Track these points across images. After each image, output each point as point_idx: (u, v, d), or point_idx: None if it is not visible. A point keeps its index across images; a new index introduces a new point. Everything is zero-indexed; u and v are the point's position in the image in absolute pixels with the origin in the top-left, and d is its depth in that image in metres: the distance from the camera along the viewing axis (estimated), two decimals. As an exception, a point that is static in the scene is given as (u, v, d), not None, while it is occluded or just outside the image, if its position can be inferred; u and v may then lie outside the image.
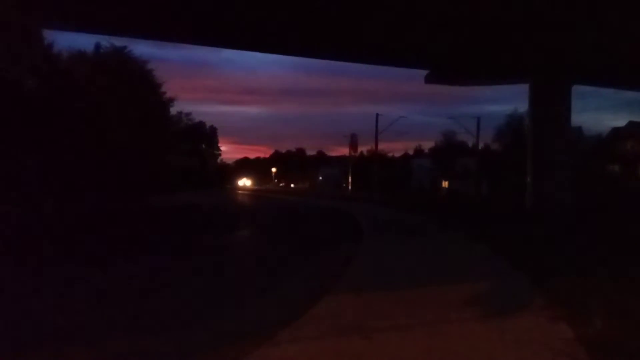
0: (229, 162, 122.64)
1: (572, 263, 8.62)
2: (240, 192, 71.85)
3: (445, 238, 13.83)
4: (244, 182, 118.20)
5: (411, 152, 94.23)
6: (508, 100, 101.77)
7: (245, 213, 25.69)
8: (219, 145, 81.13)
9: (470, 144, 60.26)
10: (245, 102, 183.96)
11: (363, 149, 78.47)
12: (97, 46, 25.86)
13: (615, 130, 50.83)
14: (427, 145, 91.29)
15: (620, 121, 65.46)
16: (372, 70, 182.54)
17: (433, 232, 15.37)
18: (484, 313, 5.51)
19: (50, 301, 6.15)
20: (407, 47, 19.87)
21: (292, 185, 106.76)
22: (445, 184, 57.75)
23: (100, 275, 7.82)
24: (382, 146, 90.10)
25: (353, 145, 59.18)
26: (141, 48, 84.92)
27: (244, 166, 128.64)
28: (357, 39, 18.89)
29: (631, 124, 49.01)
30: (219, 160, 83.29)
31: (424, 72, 23.72)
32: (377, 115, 49.69)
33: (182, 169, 32.06)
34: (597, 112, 78.08)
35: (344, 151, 72.95)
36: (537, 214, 19.40)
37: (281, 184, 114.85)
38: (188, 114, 42.79)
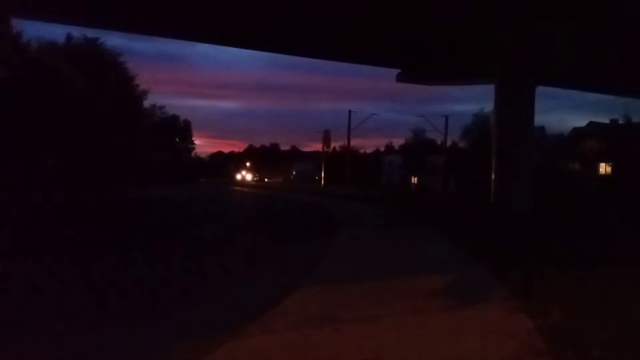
0: (203, 156, 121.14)
1: (528, 255, 9.21)
2: (217, 185, 71.42)
3: (413, 231, 14.44)
4: (243, 175, 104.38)
5: (382, 149, 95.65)
6: (476, 100, 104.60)
7: (219, 206, 25.88)
8: (193, 139, 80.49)
9: (439, 141, 61.90)
10: (220, 97, 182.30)
11: (336, 144, 79.30)
12: (69, 37, 25.50)
13: (576, 130, 52.89)
14: (398, 142, 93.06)
15: (581, 121, 68.08)
16: (345, 68, 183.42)
17: (401, 225, 16.02)
18: (450, 303, 5.85)
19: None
20: (379, 47, 20.47)
21: (265, 180, 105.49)
22: (414, 179, 59.01)
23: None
24: (354, 142, 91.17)
25: (326, 141, 59.73)
26: (114, 40, 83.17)
27: (218, 160, 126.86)
28: (330, 38, 19.37)
29: (591, 124, 51.16)
30: (192, 154, 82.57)
31: (395, 71, 24.39)
32: (350, 112, 50.62)
33: (156, 162, 31.86)
34: (559, 113, 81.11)
35: (318, 147, 73.42)
36: (500, 209, 20.28)
37: (255, 178, 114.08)
38: (162, 107, 42.45)
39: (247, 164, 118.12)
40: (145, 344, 4.63)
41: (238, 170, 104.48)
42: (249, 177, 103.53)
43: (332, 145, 70.10)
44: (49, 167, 19.05)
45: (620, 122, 48.93)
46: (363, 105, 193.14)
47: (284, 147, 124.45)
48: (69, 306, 5.77)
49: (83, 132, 21.20)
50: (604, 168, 47.09)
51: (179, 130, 51.56)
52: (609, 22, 16.91)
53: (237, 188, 61.29)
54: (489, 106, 43.82)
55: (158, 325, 5.16)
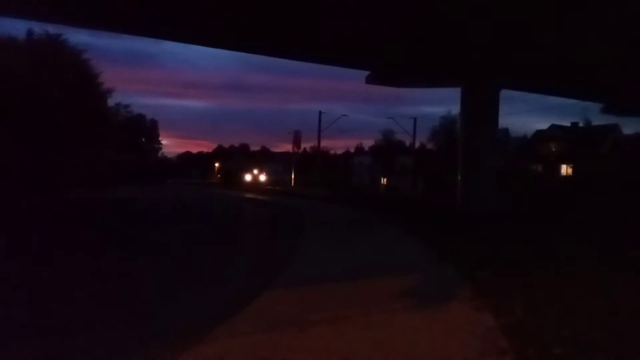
0: (171, 155, 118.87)
1: (492, 254, 9.42)
2: (183, 185, 70.05)
3: (381, 231, 14.59)
4: (256, 174, 73.02)
5: (352, 150, 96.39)
6: (445, 102, 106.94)
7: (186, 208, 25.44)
8: (160, 139, 78.96)
9: (407, 143, 62.91)
10: (188, 96, 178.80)
11: (306, 145, 79.27)
12: (29, 33, 24.67)
13: (539, 133, 54.61)
14: (368, 143, 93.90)
15: (544, 124, 70.42)
16: (315, 69, 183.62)
17: (369, 225, 16.18)
18: (416, 303, 5.96)
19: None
20: (349, 49, 20.56)
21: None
22: (384, 180, 59.56)
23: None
24: (324, 143, 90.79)
25: (296, 141, 59.83)
26: (78, 36, 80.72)
27: (186, 160, 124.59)
28: (300, 39, 19.34)
29: (553, 126, 52.91)
30: (159, 154, 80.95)
31: (365, 73, 24.56)
32: (320, 113, 50.64)
33: (120, 162, 31.07)
34: (523, 115, 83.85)
35: (288, 147, 72.95)
36: (465, 210, 20.70)
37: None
38: (127, 106, 41.41)
39: (216, 164, 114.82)
40: (107, 351, 4.48)
41: (247, 170, 74.75)
42: (263, 177, 73.78)
43: (303, 146, 70.25)
44: None
45: (581, 124, 50.80)
46: (333, 106, 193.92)
47: (254, 148, 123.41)
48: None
49: (38, 131, 20.45)
50: (565, 169, 48.74)
51: (145, 129, 50.43)
52: (567, 31, 17.52)
53: (201, 189, 60.28)
54: (456, 109, 44.74)
55: (121, 331, 5.01)
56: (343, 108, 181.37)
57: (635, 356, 4.39)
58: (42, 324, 5.06)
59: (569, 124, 52.61)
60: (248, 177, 72.55)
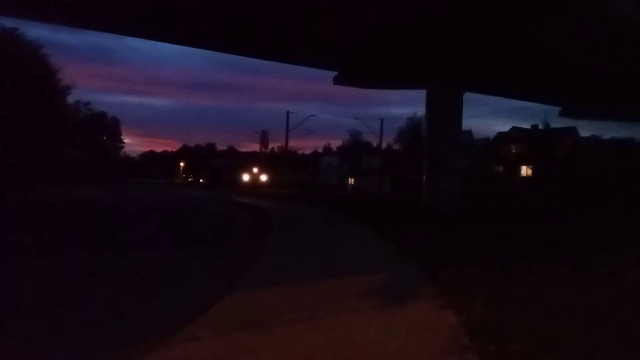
0: (133, 155, 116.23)
1: (455, 253, 9.59)
2: (146, 186, 68.59)
3: (348, 231, 14.71)
4: (256, 173, 63.59)
5: (320, 150, 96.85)
6: (412, 104, 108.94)
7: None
8: (122, 137, 76.89)
9: (375, 143, 63.59)
10: (152, 94, 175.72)
11: (274, 145, 78.94)
12: (-17, 25, 23.58)
13: (500, 135, 56.19)
14: (336, 143, 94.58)
15: (506, 126, 72.49)
16: (283, 69, 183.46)
17: (336, 225, 16.30)
18: (381, 302, 6.02)
19: None
20: (317, 50, 20.59)
21: (201, 181, 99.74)
22: (351, 181, 60.03)
23: None
24: (292, 143, 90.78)
25: (264, 141, 59.45)
26: (37, 31, 77.73)
27: (150, 159, 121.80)
28: (269, 38, 19.24)
29: (514, 129, 54.55)
30: (121, 153, 78.93)
31: (333, 73, 24.67)
32: (288, 112, 50.57)
33: (80, 161, 30.09)
34: (486, 118, 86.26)
35: (255, 147, 72.35)
36: (430, 209, 21.06)
37: (190, 179, 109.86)
38: (87, 104, 40.15)
39: (181, 163, 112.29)
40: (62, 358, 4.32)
41: (246, 169, 64.97)
42: (264, 178, 62.91)
43: (270, 145, 69.79)
44: None
45: (540, 127, 52.54)
46: (301, 106, 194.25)
47: (221, 147, 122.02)
48: None
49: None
50: (525, 170, 50.32)
51: (106, 127, 48.96)
52: (527, 39, 18.12)
53: (164, 189, 58.90)
54: (422, 110, 45.50)
55: (77, 337, 4.84)
56: (311, 108, 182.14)
57: (589, 350, 4.55)
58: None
59: (529, 127, 54.28)
60: (246, 178, 63.91)
